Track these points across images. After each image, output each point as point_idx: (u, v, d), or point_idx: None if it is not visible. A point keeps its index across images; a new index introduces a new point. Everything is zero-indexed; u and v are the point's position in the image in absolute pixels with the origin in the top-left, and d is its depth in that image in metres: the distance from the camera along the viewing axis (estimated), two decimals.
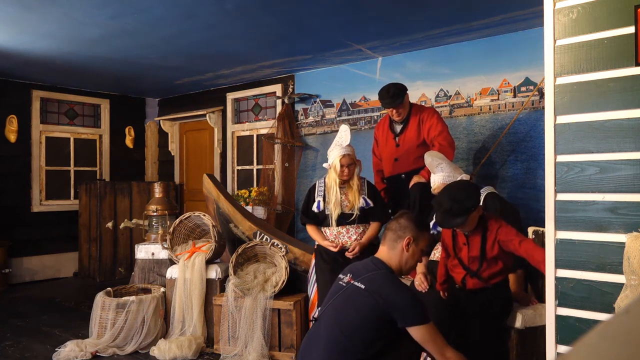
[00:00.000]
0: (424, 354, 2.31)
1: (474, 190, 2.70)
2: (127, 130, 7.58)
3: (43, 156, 6.74)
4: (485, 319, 2.66)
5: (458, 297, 2.79)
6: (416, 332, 2.14)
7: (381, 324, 2.16)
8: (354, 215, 3.36)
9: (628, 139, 1.75)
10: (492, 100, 4.62)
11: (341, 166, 3.31)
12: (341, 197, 3.38)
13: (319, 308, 3.31)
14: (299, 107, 6.10)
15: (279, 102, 6.22)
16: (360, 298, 2.21)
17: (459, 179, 3.03)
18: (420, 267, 3.11)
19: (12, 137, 6.40)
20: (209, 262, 3.97)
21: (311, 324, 3.41)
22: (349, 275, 2.35)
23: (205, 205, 4.78)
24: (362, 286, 2.24)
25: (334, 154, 3.36)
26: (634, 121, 1.74)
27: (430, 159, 3.30)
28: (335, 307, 2.28)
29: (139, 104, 7.77)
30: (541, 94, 4.27)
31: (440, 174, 3.14)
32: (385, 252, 2.37)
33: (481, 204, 3.14)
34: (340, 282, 2.36)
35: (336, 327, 2.20)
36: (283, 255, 3.76)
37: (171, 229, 4.15)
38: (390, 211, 4.06)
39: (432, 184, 3.23)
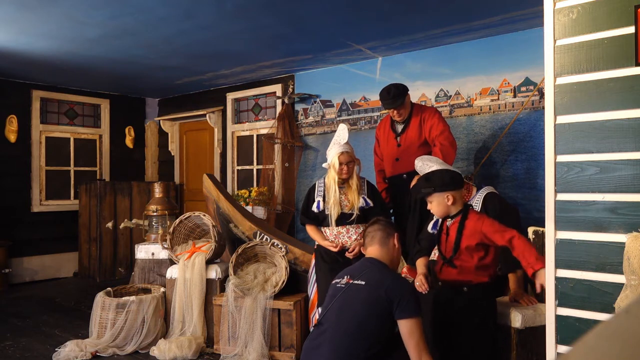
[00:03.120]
0: None
1: (455, 172, 2.83)
2: (127, 130, 7.58)
3: (43, 156, 6.74)
4: (464, 329, 2.65)
5: (437, 300, 2.79)
6: (406, 325, 2.16)
7: (384, 318, 2.18)
8: (354, 215, 3.35)
9: (628, 139, 1.75)
10: (492, 100, 4.62)
11: (340, 164, 3.31)
12: (341, 197, 3.37)
13: (318, 308, 3.31)
14: (299, 107, 6.10)
15: (279, 102, 6.22)
16: (363, 294, 2.24)
17: None
18: (420, 268, 3.10)
19: (12, 137, 6.40)
20: (209, 262, 3.97)
21: (312, 326, 3.41)
22: (346, 276, 2.38)
23: (205, 205, 4.78)
24: (363, 282, 2.28)
25: (333, 152, 3.36)
26: (634, 121, 1.74)
27: (421, 163, 3.31)
28: (337, 308, 2.29)
29: (139, 104, 7.77)
30: (541, 94, 4.27)
31: None
32: (378, 251, 2.43)
33: (481, 203, 3.15)
34: (339, 285, 2.38)
35: (340, 328, 2.21)
36: (283, 255, 3.76)
37: (171, 229, 4.15)
38: (391, 211, 4.07)
39: None
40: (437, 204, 2.72)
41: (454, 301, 2.69)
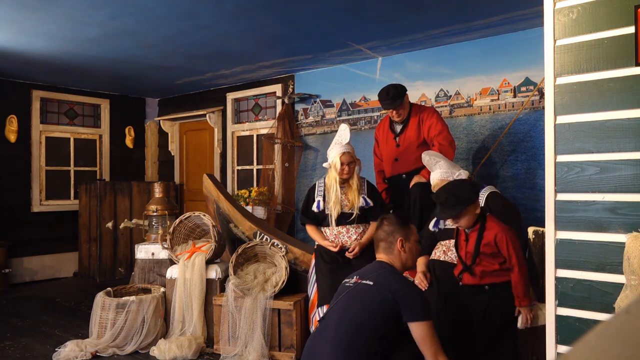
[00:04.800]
0: None
1: (471, 187, 2.79)
2: (127, 130, 7.58)
3: (43, 156, 6.74)
4: (486, 329, 2.67)
5: (457, 303, 2.80)
6: (417, 328, 2.16)
7: (389, 320, 2.19)
8: (354, 215, 3.35)
9: (628, 139, 1.75)
10: (492, 100, 4.62)
11: (341, 164, 3.31)
12: (341, 197, 3.37)
13: (318, 308, 3.31)
14: (299, 107, 6.10)
15: (279, 102, 6.22)
16: (369, 294, 2.25)
17: (457, 174, 3.09)
18: (420, 266, 3.12)
19: (12, 137, 6.40)
20: (209, 262, 3.96)
21: (312, 326, 3.41)
22: (356, 277, 2.41)
23: (205, 205, 4.78)
24: (371, 283, 2.29)
25: (334, 152, 3.36)
26: (634, 121, 1.74)
27: (428, 157, 3.34)
28: (342, 306, 2.30)
29: (139, 104, 7.77)
30: (541, 94, 4.27)
31: (438, 171, 3.18)
32: (385, 258, 2.45)
33: (483, 203, 3.15)
34: (347, 284, 2.40)
35: (344, 325, 2.22)
36: (283, 255, 3.76)
37: (171, 229, 4.15)
38: (391, 211, 4.07)
39: (431, 182, 3.26)
40: (469, 217, 2.72)
41: (476, 300, 2.71)
